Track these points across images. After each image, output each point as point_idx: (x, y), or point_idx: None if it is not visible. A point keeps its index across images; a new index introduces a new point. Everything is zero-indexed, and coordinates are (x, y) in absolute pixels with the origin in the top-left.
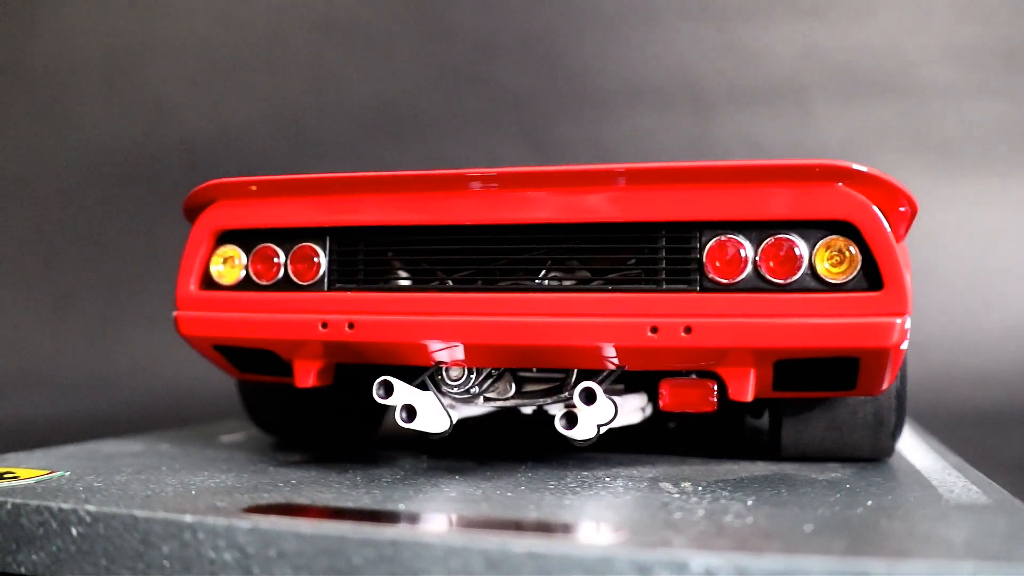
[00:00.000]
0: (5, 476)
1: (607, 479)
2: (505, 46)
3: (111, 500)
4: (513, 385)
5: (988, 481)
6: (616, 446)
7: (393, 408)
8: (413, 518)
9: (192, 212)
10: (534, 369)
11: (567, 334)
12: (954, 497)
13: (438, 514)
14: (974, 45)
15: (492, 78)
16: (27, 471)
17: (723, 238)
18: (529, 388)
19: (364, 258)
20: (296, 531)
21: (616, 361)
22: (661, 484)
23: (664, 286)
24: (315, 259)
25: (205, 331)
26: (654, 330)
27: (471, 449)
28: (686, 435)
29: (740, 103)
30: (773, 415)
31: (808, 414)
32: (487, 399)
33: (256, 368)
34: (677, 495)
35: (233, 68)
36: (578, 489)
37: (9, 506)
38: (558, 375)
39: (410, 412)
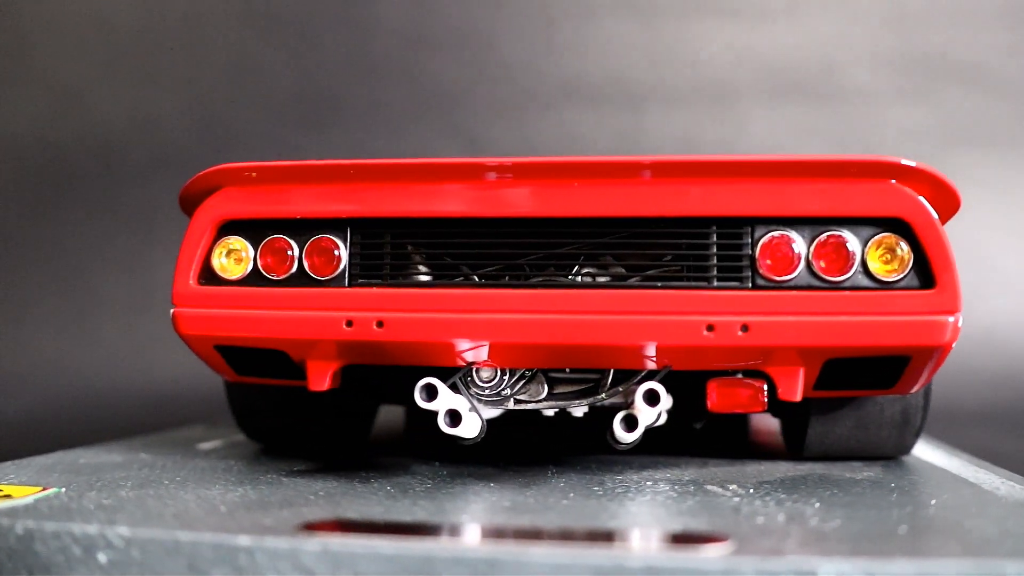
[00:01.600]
0: None
1: (648, 483)
2: (435, 39)
3: (140, 520)
4: (545, 387)
5: (1019, 477)
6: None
7: (433, 413)
8: (495, 532)
9: (192, 200)
10: (567, 370)
11: (620, 332)
12: (1005, 495)
13: (511, 527)
14: (895, 52)
15: (421, 71)
16: (18, 489)
17: (776, 234)
18: (560, 390)
19: (391, 251)
20: (374, 551)
21: (661, 361)
22: (708, 487)
23: (715, 283)
24: (335, 252)
25: (207, 330)
26: (710, 328)
27: (472, 453)
28: (682, 436)
29: (672, 102)
30: (797, 414)
31: (837, 413)
32: (518, 401)
33: (258, 370)
34: (736, 498)
35: (146, 53)
36: (630, 494)
37: (20, 530)
38: (592, 376)
39: (454, 417)
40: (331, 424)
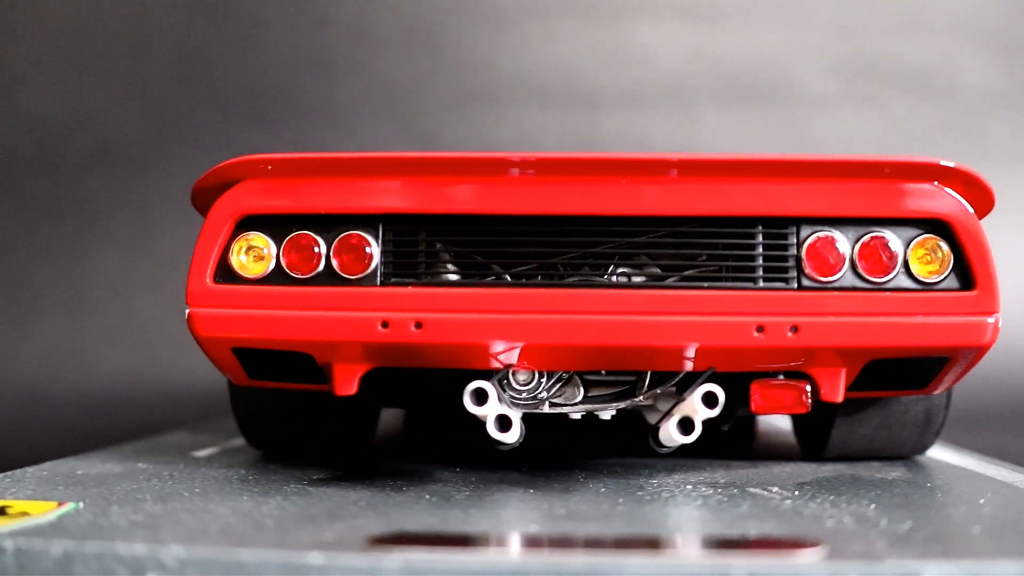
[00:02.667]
0: (12, 513)
1: (687, 486)
2: (386, 34)
3: (186, 537)
4: (581, 390)
5: None
6: (638, 452)
7: (479, 418)
8: (577, 542)
9: (207, 194)
10: (602, 372)
11: (671, 334)
12: None
13: (588, 536)
14: (844, 58)
15: (371, 66)
16: (32, 504)
17: (822, 234)
18: (594, 392)
19: (426, 249)
20: (463, 567)
21: (706, 363)
22: (750, 490)
23: (761, 283)
24: (366, 249)
25: (226, 331)
26: (760, 329)
27: (489, 457)
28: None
29: (626, 103)
30: (820, 414)
31: (863, 413)
32: (553, 404)
33: (274, 374)
34: (786, 500)
35: (86, 43)
36: (677, 498)
37: (58, 552)
38: (627, 378)
39: (503, 422)
40: (340, 428)
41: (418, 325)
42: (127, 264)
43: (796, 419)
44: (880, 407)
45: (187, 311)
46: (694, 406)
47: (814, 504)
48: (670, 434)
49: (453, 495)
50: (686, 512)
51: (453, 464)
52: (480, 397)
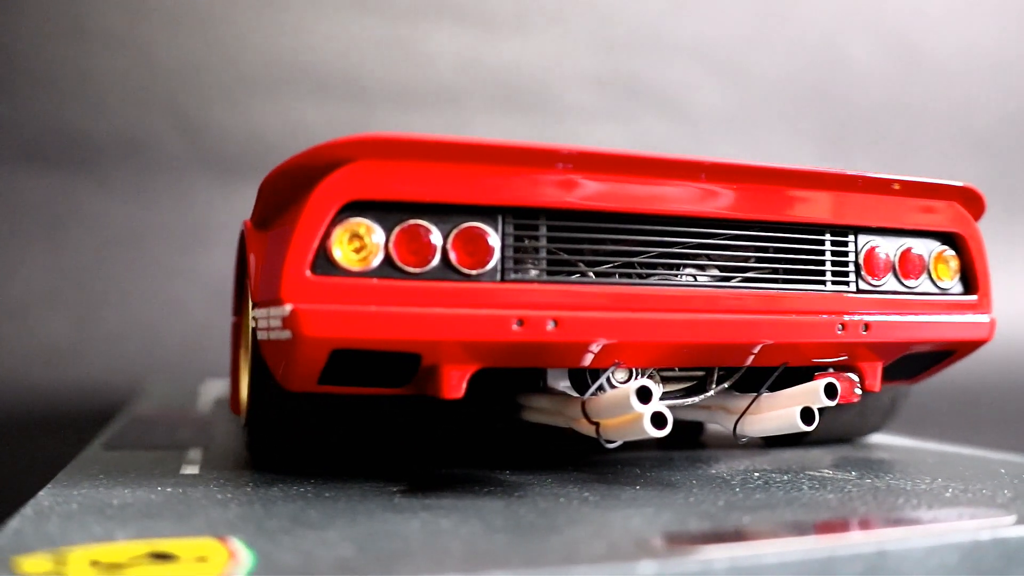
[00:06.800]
0: (163, 557)
1: (754, 474)
2: (154, 6)
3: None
4: (661, 386)
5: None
6: (665, 445)
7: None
8: (819, 528)
9: (303, 175)
10: (675, 369)
11: (770, 331)
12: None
13: (815, 521)
14: (602, 73)
15: (135, 41)
16: (200, 545)
17: (874, 242)
18: (668, 388)
19: (547, 244)
20: (781, 558)
21: (781, 358)
22: (811, 473)
23: (830, 285)
24: (488, 242)
25: (335, 331)
26: (842, 327)
27: (527, 457)
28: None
29: (401, 102)
30: None
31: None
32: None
33: (351, 378)
34: (866, 480)
35: None
36: (772, 487)
37: None
38: (696, 374)
39: (659, 420)
40: (389, 433)
41: (555, 324)
42: None
43: None
44: (864, 395)
45: (287, 308)
46: (818, 397)
47: (889, 482)
48: (792, 422)
49: (618, 495)
50: (796, 497)
51: (508, 467)
52: (644, 395)
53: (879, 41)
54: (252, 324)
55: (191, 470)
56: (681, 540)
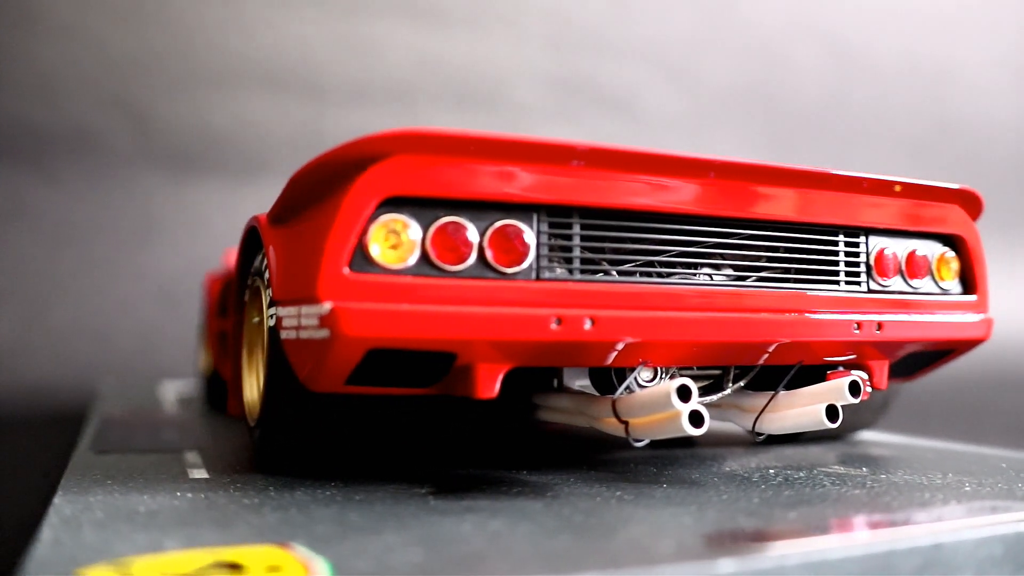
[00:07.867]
0: (232, 567)
1: (769, 471)
2: None
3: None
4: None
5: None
6: (657, 443)
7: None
8: (888, 523)
9: (338, 169)
10: (694, 368)
11: (793, 330)
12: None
13: (860, 519)
14: (553, 73)
15: (83, 30)
16: (237, 553)
17: (884, 244)
18: None
19: (580, 243)
20: (846, 554)
21: (796, 356)
22: (824, 470)
23: (843, 285)
24: (524, 240)
25: (374, 330)
26: (858, 327)
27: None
28: None
29: (353, 97)
30: None
31: None
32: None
33: (380, 377)
34: (882, 475)
35: None
36: (799, 485)
37: None
38: (714, 372)
39: (696, 418)
40: (405, 433)
41: (592, 322)
42: None
43: None
44: None
45: (325, 306)
46: (843, 394)
47: (906, 478)
48: (821, 419)
49: (653, 493)
50: (820, 495)
51: (525, 467)
52: (685, 394)
53: (821, 44)
54: (269, 323)
55: (199, 474)
56: (744, 537)
